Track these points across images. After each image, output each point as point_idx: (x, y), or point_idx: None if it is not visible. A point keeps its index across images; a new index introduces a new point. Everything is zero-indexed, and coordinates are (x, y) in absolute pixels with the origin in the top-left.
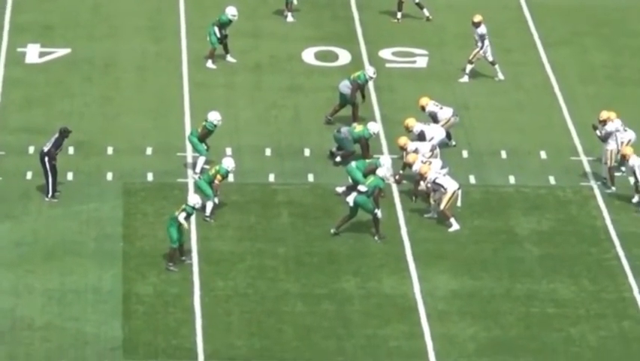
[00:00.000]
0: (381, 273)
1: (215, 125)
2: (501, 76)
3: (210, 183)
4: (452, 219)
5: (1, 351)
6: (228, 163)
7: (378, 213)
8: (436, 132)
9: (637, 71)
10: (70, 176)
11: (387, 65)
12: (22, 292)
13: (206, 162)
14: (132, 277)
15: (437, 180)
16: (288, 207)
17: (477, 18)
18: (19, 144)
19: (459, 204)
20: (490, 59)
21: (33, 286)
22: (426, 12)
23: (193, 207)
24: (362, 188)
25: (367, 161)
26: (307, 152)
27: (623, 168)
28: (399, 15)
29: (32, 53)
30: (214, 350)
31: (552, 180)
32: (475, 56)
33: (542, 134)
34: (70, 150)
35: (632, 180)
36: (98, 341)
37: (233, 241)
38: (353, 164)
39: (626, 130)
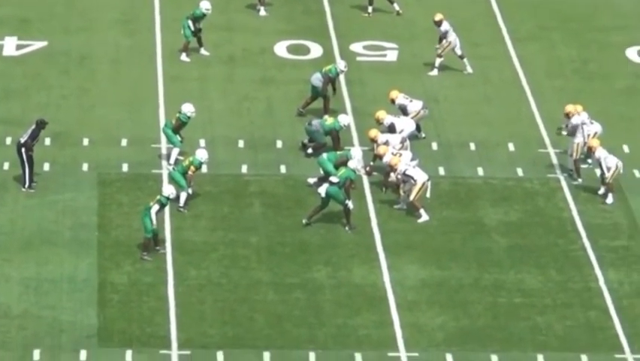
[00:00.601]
0: (352, 263)
1: (188, 117)
2: (469, 69)
3: (184, 174)
4: (422, 210)
5: None
6: (202, 154)
7: (349, 204)
8: (405, 125)
9: (604, 65)
10: (46, 166)
11: (358, 59)
12: None
13: (180, 154)
14: (107, 266)
15: (407, 172)
16: (261, 198)
17: (437, 17)
18: None
19: (428, 195)
20: (459, 53)
21: (10, 275)
22: (396, 6)
23: (167, 198)
24: (333, 179)
25: (338, 153)
26: (279, 144)
27: (589, 160)
28: (370, 9)
29: (9, 46)
30: (187, 338)
31: (520, 171)
32: (443, 50)
33: (510, 126)
34: (47, 141)
35: (598, 171)
36: (74, 329)
37: (206, 231)
38: (324, 156)
39: (592, 123)
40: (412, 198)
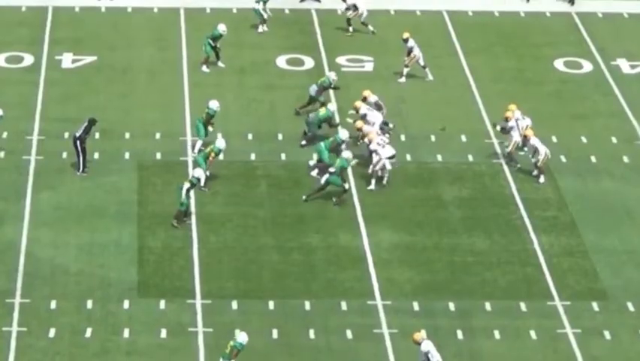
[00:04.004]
0: (339, 230)
1: (215, 111)
2: (430, 77)
3: (206, 159)
4: (373, 181)
5: (44, 291)
6: (220, 143)
7: (346, 185)
8: (376, 118)
9: (536, 73)
10: (96, 155)
11: (343, 69)
12: (60, 246)
13: (203, 145)
14: (145, 233)
15: (377, 150)
16: (266, 180)
17: (405, 35)
18: (57, 131)
19: (389, 167)
20: (422, 63)
21: (68, 242)
22: (370, 27)
23: (198, 179)
24: (331, 170)
25: (331, 139)
26: (280, 136)
27: (525, 148)
28: (350, 29)
29: (67, 60)
30: (208, 290)
31: (470, 157)
32: (409, 62)
33: (463, 122)
34: (97, 135)
35: (532, 158)
36: (119, 284)
37: (223, 206)
38: (321, 144)
39: (524, 118)
40: (370, 170)
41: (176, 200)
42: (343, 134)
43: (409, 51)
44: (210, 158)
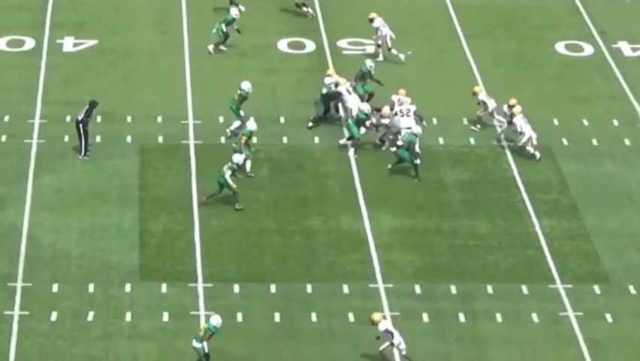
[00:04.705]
0: (340, 213)
1: (247, 92)
2: (381, 58)
3: (240, 144)
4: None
5: (45, 275)
6: (251, 125)
7: (417, 160)
8: (354, 103)
9: (537, 56)
10: (98, 139)
11: (344, 52)
12: (62, 230)
13: (240, 126)
14: (146, 217)
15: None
16: (268, 163)
17: (370, 15)
18: (58, 114)
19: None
20: (389, 45)
21: (70, 225)
22: (309, 9)
23: (237, 164)
24: (399, 143)
25: (354, 115)
26: (282, 119)
27: (514, 121)
28: (305, 9)
29: (68, 44)
30: (210, 273)
31: (472, 140)
32: (384, 42)
33: (464, 105)
34: (98, 119)
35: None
36: (120, 267)
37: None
38: (349, 121)
39: (489, 99)
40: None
41: (226, 186)
42: (365, 107)
43: (377, 31)
44: (243, 141)
